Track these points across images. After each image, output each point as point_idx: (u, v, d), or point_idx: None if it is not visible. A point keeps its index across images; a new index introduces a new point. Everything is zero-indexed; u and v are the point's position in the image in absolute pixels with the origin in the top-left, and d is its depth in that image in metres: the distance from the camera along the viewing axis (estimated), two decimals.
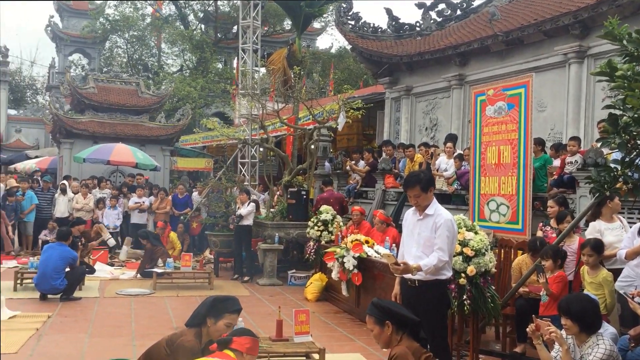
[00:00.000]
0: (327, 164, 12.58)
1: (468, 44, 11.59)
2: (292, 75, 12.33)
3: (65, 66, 28.23)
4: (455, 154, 9.53)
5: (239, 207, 10.64)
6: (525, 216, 7.08)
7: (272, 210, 11.29)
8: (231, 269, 11.26)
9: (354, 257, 7.53)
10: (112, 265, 11.52)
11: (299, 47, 16.34)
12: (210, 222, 12.64)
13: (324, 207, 9.65)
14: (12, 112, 30.45)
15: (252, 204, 10.64)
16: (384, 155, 11.13)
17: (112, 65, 21.53)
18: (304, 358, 5.30)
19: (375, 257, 7.43)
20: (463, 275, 5.18)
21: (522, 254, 6.12)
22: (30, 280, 8.84)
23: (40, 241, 12.99)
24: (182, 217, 13.55)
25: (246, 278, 10.48)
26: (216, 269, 10.88)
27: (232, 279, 10.57)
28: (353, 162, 12.10)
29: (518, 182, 7.17)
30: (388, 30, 14.48)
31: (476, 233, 5.37)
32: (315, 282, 8.98)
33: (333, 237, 9.05)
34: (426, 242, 4.42)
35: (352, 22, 14.34)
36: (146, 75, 24.42)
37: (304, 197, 10.66)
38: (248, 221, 10.53)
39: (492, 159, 7.58)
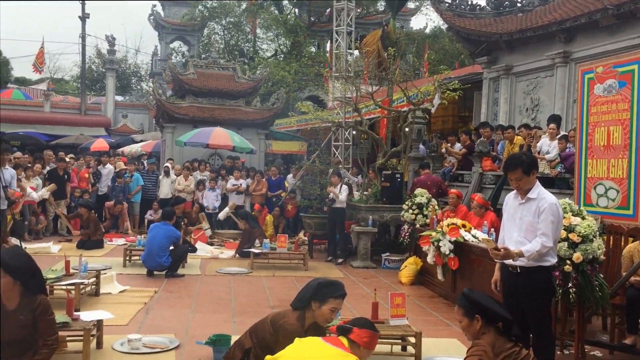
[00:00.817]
0: (421, 146, 12.38)
1: (574, 19, 10.94)
2: (387, 57, 12.16)
3: (167, 53, 29.42)
4: (559, 136, 9.07)
5: (331, 189, 10.72)
6: (638, 201, 6.62)
7: (365, 193, 11.28)
8: (325, 250, 11.39)
9: (450, 241, 7.39)
10: (211, 244, 11.98)
11: (393, 28, 16.11)
12: (305, 204, 12.83)
13: (418, 190, 9.53)
14: (119, 98, 32.10)
15: (346, 187, 10.68)
16: (481, 137, 10.80)
17: (210, 52, 22.21)
18: (400, 341, 5.28)
19: (472, 241, 7.25)
20: (568, 262, 4.94)
21: (634, 241, 5.75)
22: (138, 257, 9.37)
23: (146, 220, 13.75)
24: (274, 199, 13.85)
25: (340, 260, 10.57)
26: (310, 251, 11.03)
27: (326, 260, 10.70)
28: (449, 144, 11.83)
29: (629, 165, 6.70)
30: (487, 7, 13.96)
31: (583, 218, 5.10)
32: (409, 266, 8.90)
33: (428, 220, 8.92)
34: (528, 227, 4.24)
35: (449, 1, 13.94)
36: (242, 60, 24.95)
37: (399, 180, 10.56)
38: (341, 204, 10.59)
39: (600, 140, 7.14)
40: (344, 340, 3.42)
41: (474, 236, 7.36)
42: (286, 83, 22.72)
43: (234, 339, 4.75)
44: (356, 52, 15.34)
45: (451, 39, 19.79)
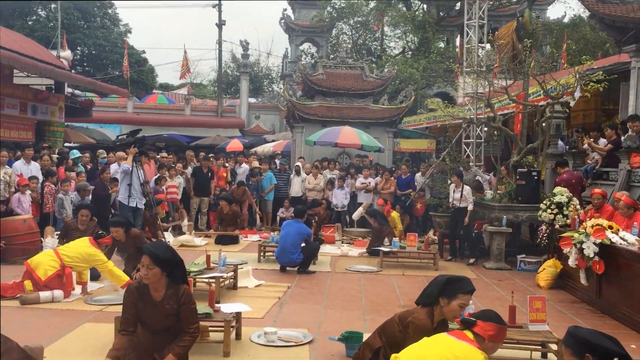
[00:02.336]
0: (560, 142, 11.68)
1: None
2: (522, 49, 11.59)
3: (297, 55, 30.23)
4: None
5: (453, 191, 10.49)
6: None
7: (498, 192, 10.85)
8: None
9: (594, 244, 6.90)
10: (341, 242, 12.12)
11: (529, 19, 15.32)
12: (435, 202, 12.59)
13: (558, 189, 9.00)
14: (252, 100, 33.44)
15: (468, 188, 10.43)
16: (629, 131, 9.96)
17: (338, 52, 22.41)
18: (540, 347, 5.01)
19: (620, 244, 6.71)
20: None
21: None
22: (271, 254, 9.71)
23: (278, 218, 14.22)
24: (403, 198, 13.72)
25: (471, 260, 10.27)
26: (440, 250, 10.80)
27: (446, 260, 10.47)
28: (592, 139, 11.04)
29: None
30: None
31: None
32: (548, 269, 8.43)
33: (569, 221, 8.38)
34: None
35: None
36: (370, 59, 25.03)
37: (535, 178, 10.05)
38: (465, 203, 10.32)
39: None
40: (469, 334, 3.32)
41: (622, 238, 6.81)
42: (414, 80, 22.43)
43: (366, 336, 4.75)
44: (488, 46, 14.78)
45: (593, 28, 18.45)
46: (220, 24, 31.00)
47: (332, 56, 26.52)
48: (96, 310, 6.41)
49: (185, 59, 31.20)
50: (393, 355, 3.46)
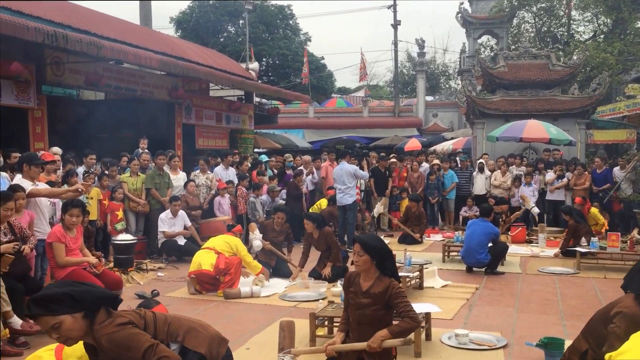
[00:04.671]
0: None
1: None
2: None
3: (475, 49, 29.27)
4: None
5: None
6: None
7: None
8: None
9: None
10: (530, 242, 11.47)
11: None
12: (638, 198, 11.40)
13: None
14: (429, 98, 33.12)
15: None
16: None
17: (521, 42, 21.23)
18: None
19: None
20: None
21: None
22: (456, 253, 9.47)
23: (460, 217, 13.87)
24: (600, 194, 12.58)
25: None
26: None
27: None
28: None
29: None
30: None
31: None
32: None
33: None
34: None
35: None
36: (556, 47, 23.41)
37: None
38: None
39: None
40: None
41: None
42: (608, 66, 20.50)
43: (567, 344, 4.41)
44: None
45: None
46: (396, 24, 31.16)
47: (513, 47, 25.31)
48: (291, 307, 6.75)
49: (362, 61, 31.85)
50: (607, 355, 3.09)
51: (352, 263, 4.42)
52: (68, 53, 10.47)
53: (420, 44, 31.67)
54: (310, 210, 11.48)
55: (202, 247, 7.94)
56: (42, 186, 6.79)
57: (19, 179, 6.55)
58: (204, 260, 7.38)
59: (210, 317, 6.23)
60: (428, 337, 5.38)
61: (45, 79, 10.62)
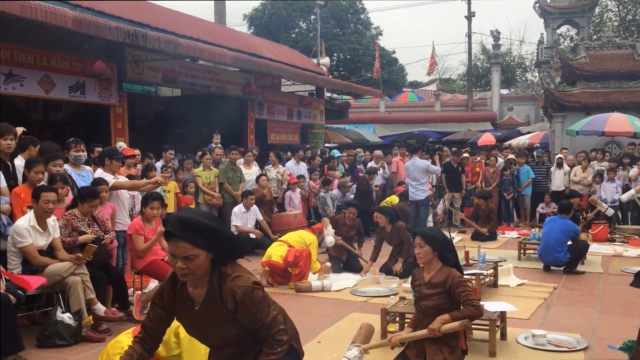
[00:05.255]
0: None
1: None
2: None
3: (554, 40, 28.17)
4: None
5: None
6: None
7: None
8: None
9: None
10: (612, 240, 10.95)
11: None
12: None
13: None
14: (504, 91, 32.19)
15: None
16: None
17: (603, 31, 20.32)
18: None
19: None
20: None
21: None
22: (532, 251, 9.16)
23: (537, 214, 13.40)
24: None
25: None
26: None
27: None
28: None
29: None
30: None
31: None
32: None
33: None
34: None
35: None
36: None
37: None
38: None
39: None
40: None
41: None
42: None
43: None
44: None
45: None
46: (470, 16, 30.43)
47: (595, 37, 24.20)
48: (361, 301, 6.73)
49: (433, 55, 31.33)
50: None
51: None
52: (147, 51, 10.84)
53: (495, 35, 30.81)
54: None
55: (277, 240, 8.09)
56: (123, 179, 7.08)
57: (100, 173, 6.85)
58: (274, 252, 7.51)
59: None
60: (503, 336, 5.23)
61: (126, 77, 11.05)
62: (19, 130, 6.25)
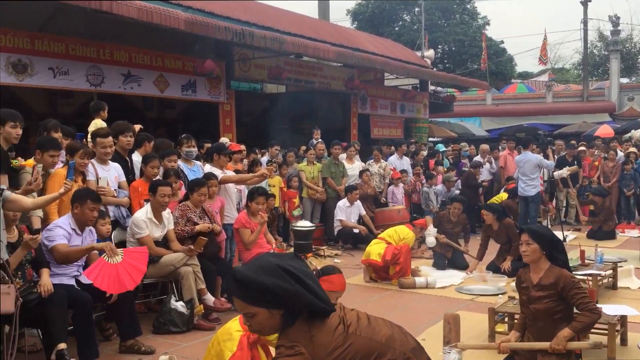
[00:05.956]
0: None
1: None
2: None
3: None
4: None
5: None
6: None
7: None
8: None
9: None
10: None
11: None
12: None
13: None
14: (624, 80, 30.18)
15: None
16: None
17: None
18: None
19: None
20: None
21: None
22: None
23: None
24: None
25: None
26: None
27: None
28: None
29: None
30: None
31: None
32: None
33: None
34: None
35: None
36: None
37: None
38: None
39: None
40: None
41: None
42: None
43: None
44: None
45: None
46: (586, 1, 28.71)
47: None
48: (468, 300, 6.54)
49: (544, 43, 29.86)
50: None
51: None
52: (253, 49, 11.14)
53: (615, 20, 28.87)
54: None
55: (378, 237, 8.03)
56: (230, 174, 7.32)
57: (209, 168, 7.12)
58: (372, 250, 7.44)
59: (385, 306, 6.26)
60: (624, 341, 4.88)
61: (234, 75, 11.42)
62: (136, 127, 6.64)
